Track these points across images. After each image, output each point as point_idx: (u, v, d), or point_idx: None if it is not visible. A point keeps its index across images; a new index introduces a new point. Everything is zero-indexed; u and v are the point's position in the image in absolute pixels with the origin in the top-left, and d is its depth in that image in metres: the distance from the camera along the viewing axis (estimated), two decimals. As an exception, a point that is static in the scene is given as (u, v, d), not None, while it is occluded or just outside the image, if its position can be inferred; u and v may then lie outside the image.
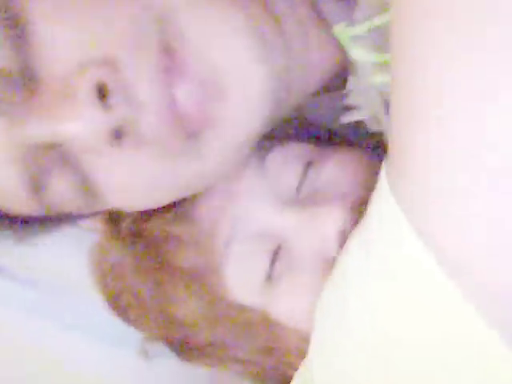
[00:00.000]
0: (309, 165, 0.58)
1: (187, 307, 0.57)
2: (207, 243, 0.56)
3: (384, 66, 0.51)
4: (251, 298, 0.57)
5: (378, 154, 0.57)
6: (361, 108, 0.57)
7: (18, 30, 0.41)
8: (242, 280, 0.56)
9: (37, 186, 0.45)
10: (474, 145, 0.36)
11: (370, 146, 0.61)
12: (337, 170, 0.59)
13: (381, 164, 0.54)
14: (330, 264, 0.52)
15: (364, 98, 0.55)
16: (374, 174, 0.54)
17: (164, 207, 0.54)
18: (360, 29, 0.49)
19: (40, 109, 0.42)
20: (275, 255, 0.56)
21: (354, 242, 0.46)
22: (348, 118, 0.58)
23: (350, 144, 0.62)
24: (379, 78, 0.52)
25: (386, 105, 0.55)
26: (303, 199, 0.57)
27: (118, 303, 0.62)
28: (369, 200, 0.46)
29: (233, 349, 0.60)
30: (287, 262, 0.56)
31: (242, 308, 0.57)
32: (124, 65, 0.41)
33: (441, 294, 0.39)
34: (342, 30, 0.50)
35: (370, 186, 0.50)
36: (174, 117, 0.43)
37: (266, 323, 0.57)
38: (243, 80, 0.44)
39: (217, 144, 0.46)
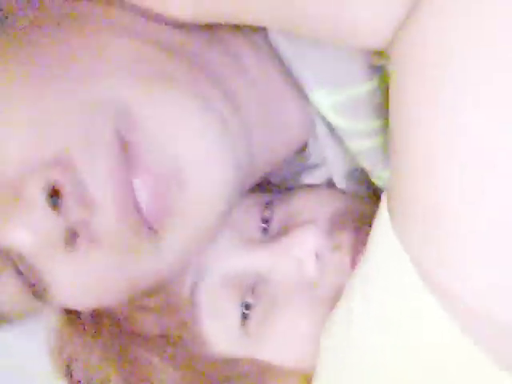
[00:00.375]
0: (269, 204, 0.57)
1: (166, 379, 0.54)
2: (175, 302, 0.53)
3: (361, 133, 0.51)
4: (232, 347, 0.54)
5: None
6: (321, 168, 0.58)
7: None
8: (217, 329, 0.54)
9: None
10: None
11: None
12: (300, 201, 0.58)
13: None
14: (311, 288, 0.52)
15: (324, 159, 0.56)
16: (341, 201, 0.57)
17: None
18: (339, 96, 0.50)
19: None
20: (251, 295, 0.54)
21: (355, 282, 0.46)
22: (309, 178, 0.59)
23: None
24: (358, 144, 0.52)
25: (355, 170, 0.56)
26: (272, 236, 0.56)
27: None
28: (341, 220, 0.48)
29: None
30: (267, 299, 0.54)
31: (226, 363, 0.54)
32: (76, 163, 0.40)
33: (441, 332, 0.40)
34: (320, 97, 0.50)
35: (338, 211, 0.52)
36: (130, 215, 0.41)
37: (258, 373, 0.55)
38: (203, 169, 0.43)
39: (176, 236, 0.44)
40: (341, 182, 0.57)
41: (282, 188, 0.62)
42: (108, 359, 0.55)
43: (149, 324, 0.54)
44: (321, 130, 0.53)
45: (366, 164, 0.53)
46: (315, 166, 0.59)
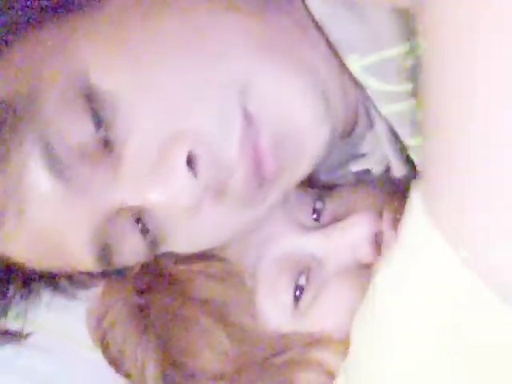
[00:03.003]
0: (321, 197, 0.59)
1: (213, 351, 0.55)
2: (235, 274, 0.56)
3: (391, 96, 0.51)
4: (282, 324, 0.56)
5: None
6: (370, 155, 0.58)
7: (99, 103, 0.44)
8: (270, 306, 0.56)
9: (106, 250, 0.48)
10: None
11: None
12: (351, 195, 0.60)
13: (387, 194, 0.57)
14: (366, 270, 0.52)
15: (374, 140, 0.57)
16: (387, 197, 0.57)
17: None
18: (370, 59, 0.50)
19: (130, 177, 0.45)
20: (304, 277, 0.56)
21: (386, 270, 0.47)
22: (358, 166, 0.60)
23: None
24: (391, 107, 0.52)
25: (393, 135, 0.55)
26: (325, 224, 0.58)
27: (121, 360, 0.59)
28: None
29: None
30: (320, 280, 0.56)
31: (275, 337, 0.56)
32: (212, 134, 0.45)
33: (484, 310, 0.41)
34: (354, 61, 0.50)
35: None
36: (254, 176, 0.47)
37: (303, 345, 0.56)
38: (314, 131, 0.48)
39: (278, 191, 0.50)
40: (394, 160, 0.57)
41: (330, 184, 0.63)
42: (151, 326, 0.56)
43: (209, 289, 0.56)
44: (368, 102, 0.54)
45: (400, 130, 0.53)
46: (363, 155, 0.60)
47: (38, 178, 0.45)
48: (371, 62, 0.50)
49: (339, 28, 0.50)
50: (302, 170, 0.51)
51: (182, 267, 0.56)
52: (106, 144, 0.45)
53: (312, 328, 0.56)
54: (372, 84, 0.51)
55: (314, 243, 0.57)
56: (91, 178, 0.45)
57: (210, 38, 0.46)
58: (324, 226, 0.58)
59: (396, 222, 0.52)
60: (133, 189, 0.45)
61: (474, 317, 0.42)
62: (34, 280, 0.55)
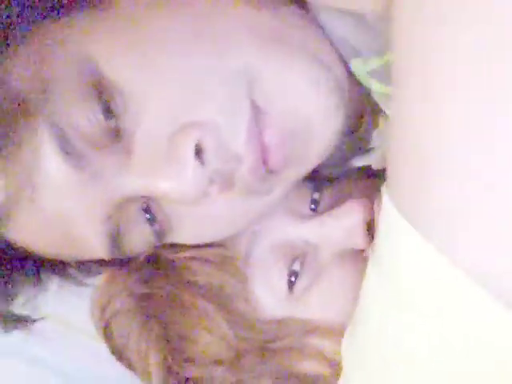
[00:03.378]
0: (319, 187, 0.60)
1: (212, 335, 0.56)
2: (231, 260, 0.56)
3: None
4: (278, 309, 0.56)
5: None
6: (374, 151, 0.59)
7: (108, 94, 0.45)
8: (265, 292, 0.56)
9: (116, 237, 0.49)
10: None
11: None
12: (348, 185, 0.61)
13: None
14: (361, 256, 0.53)
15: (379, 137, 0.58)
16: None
17: None
18: (374, 63, 0.51)
19: (140, 166, 0.46)
20: (299, 263, 0.56)
21: (370, 264, 0.47)
22: (361, 162, 0.61)
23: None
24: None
25: None
26: (321, 213, 0.59)
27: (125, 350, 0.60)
28: None
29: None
30: (315, 266, 0.56)
31: (272, 323, 0.56)
32: (220, 126, 0.46)
33: (466, 301, 0.39)
34: (358, 65, 0.51)
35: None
36: (260, 167, 0.47)
37: (300, 332, 0.56)
38: (322, 123, 0.49)
39: (286, 182, 0.51)
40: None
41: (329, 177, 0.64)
42: (154, 314, 0.57)
43: (205, 275, 0.56)
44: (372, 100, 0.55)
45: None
46: (368, 151, 0.61)
47: (50, 165, 0.46)
48: (375, 65, 0.51)
49: (343, 32, 0.51)
50: (311, 163, 0.52)
51: (179, 254, 0.57)
52: (116, 134, 0.46)
53: (308, 314, 0.56)
54: (376, 87, 0.52)
55: (309, 230, 0.58)
56: (102, 167, 0.46)
57: (219, 30, 0.47)
58: (319, 215, 0.59)
59: None
60: (142, 178, 0.46)
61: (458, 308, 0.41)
62: (43, 267, 0.56)
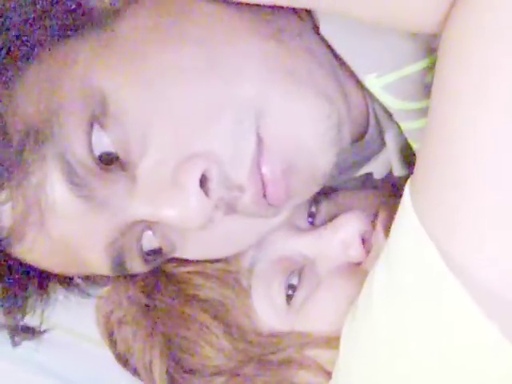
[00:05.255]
0: (316, 201, 0.60)
1: (212, 347, 0.56)
2: (232, 275, 0.57)
3: (412, 113, 0.53)
4: (277, 323, 0.57)
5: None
6: (376, 158, 0.60)
7: (113, 125, 0.46)
8: (264, 306, 0.56)
9: (120, 258, 0.50)
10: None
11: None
12: (345, 199, 0.61)
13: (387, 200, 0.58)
14: (358, 269, 0.53)
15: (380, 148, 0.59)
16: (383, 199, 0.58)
17: None
18: (389, 78, 0.51)
19: (145, 193, 0.47)
20: (297, 277, 0.57)
21: (380, 263, 0.48)
22: (362, 170, 0.61)
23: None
24: (409, 124, 0.54)
25: (402, 150, 0.58)
26: (318, 226, 0.59)
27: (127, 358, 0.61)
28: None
29: None
30: (312, 279, 0.57)
31: (271, 336, 0.57)
32: (225, 157, 0.47)
33: (462, 313, 0.42)
34: (372, 80, 0.52)
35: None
36: (261, 199, 0.49)
37: (299, 344, 0.57)
38: (320, 161, 0.49)
39: (289, 206, 0.52)
40: (397, 168, 0.59)
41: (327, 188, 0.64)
42: (157, 324, 0.57)
43: (206, 289, 0.56)
44: (379, 113, 0.56)
45: (417, 146, 0.55)
46: (369, 160, 0.61)
47: (58, 193, 0.46)
48: (390, 80, 0.51)
49: (356, 48, 0.51)
50: (312, 191, 0.53)
51: (181, 268, 0.57)
52: (121, 163, 0.47)
53: (306, 327, 0.57)
54: (391, 102, 0.52)
55: (306, 244, 0.58)
56: (107, 195, 0.47)
57: (228, 62, 0.47)
58: (316, 227, 0.59)
59: (391, 222, 0.54)
60: (148, 205, 0.47)
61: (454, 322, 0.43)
62: (51, 280, 0.56)
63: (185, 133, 0.46)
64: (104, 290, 0.61)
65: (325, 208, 0.60)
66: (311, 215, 0.60)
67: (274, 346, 0.57)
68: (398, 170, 0.59)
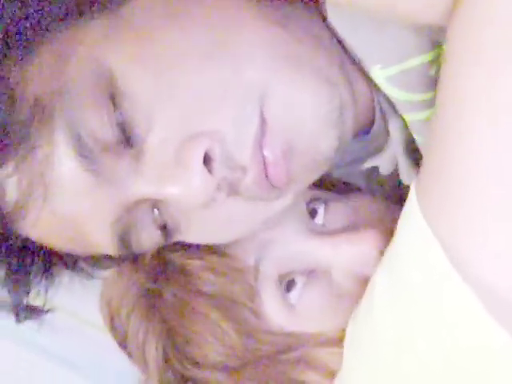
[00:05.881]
0: (326, 202, 0.60)
1: (219, 342, 0.56)
2: (239, 271, 0.57)
3: (416, 104, 0.53)
4: (283, 324, 0.57)
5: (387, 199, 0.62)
6: (383, 152, 0.60)
7: (121, 102, 0.46)
8: (272, 305, 0.57)
9: (126, 236, 0.51)
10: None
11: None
12: (358, 204, 0.61)
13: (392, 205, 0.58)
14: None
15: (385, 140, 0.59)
16: (391, 211, 0.58)
17: None
18: (393, 70, 0.52)
19: (150, 171, 0.48)
20: (307, 278, 0.57)
21: (382, 266, 0.49)
22: (370, 163, 0.62)
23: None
24: (413, 116, 0.54)
25: (407, 143, 0.58)
26: (332, 231, 0.59)
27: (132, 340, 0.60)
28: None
29: None
30: (323, 284, 0.57)
31: (277, 336, 0.57)
32: (228, 137, 0.47)
33: (467, 314, 0.42)
34: (377, 72, 0.52)
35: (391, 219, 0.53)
36: (263, 180, 0.49)
37: (304, 343, 0.57)
38: (316, 143, 0.50)
39: (292, 192, 0.53)
40: (403, 162, 0.59)
41: (336, 183, 0.65)
42: (159, 310, 0.58)
43: (215, 284, 0.57)
44: (384, 106, 0.56)
45: (420, 137, 0.55)
46: (376, 153, 0.62)
47: (65, 166, 0.47)
48: (393, 72, 0.52)
49: (361, 40, 0.52)
50: (314, 175, 0.54)
51: (190, 262, 0.57)
52: (128, 140, 0.47)
53: (315, 329, 0.57)
54: (395, 94, 0.53)
55: (320, 250, 0.58)
56: (115, 171, 0.47)
57: (233, 46, 0.48)
58: (330, 232, 0.59)
59: None
60: (153, 183, 0.48)
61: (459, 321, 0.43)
62: (55, 260, 0.57)
63: (189, 113, 0.47)
64: (109, 275, 0.62)
65: (334, 209, 0.60)
66: (314, 212, 0.60)
67: (281, 346, 0.57)
68: (404, 165, 0.59)
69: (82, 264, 0.59)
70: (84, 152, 0.46)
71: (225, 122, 0.47)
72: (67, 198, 0.48)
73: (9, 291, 0.55)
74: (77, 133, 0.46)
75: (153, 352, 0.58)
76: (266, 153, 0.48)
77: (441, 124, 0.44)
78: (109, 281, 0.62)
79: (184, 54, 0.47)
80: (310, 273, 0.57)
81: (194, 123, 0.47)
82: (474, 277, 0.41)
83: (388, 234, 0.55)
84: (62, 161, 0.47)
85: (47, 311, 0.58)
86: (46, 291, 0.57)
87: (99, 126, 0.46)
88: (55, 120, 0.46)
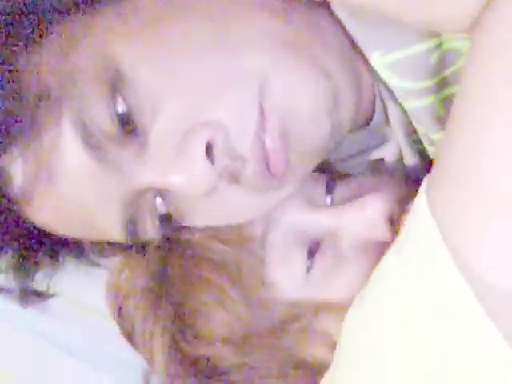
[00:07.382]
0: (333, 180, 0.61)
1: (226, 311, 0.57)
2: (247, 241, 0.57)
3: (415, 92, 0.53)
4: (294, 293, 0.57)
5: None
6: (387, 143, 0.61)
7: (126, 90, 0.47)
8: (282, 275, 0.57)
9: (131, 223, 0.51)
10: None
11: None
12: (365, 181, 0.61)
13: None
14: (381, 248, 0.53)
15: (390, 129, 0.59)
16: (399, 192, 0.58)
17: None
18: (393, 57, 0.52)
19: (154, 160, 0.48)
20: (317, 249, 0.57)
21: (389, 258, 0.49)
22: (376, 155, 0.62)
23: None
24: (412, 104, 0.55)
25: (407, 130, 0.58)
26: (338, 204, 0.59)
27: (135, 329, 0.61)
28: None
29: (262, 370, 0.58)
30: (333, 253, 0.57)
31: (287, 305, 0.57)
32: (229, 127, 0.48)
33: (468, 315, 0.43)
34: (376, 59, 0.53)
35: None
36: (263, 168, 0.50)
37: (314, 311, 0.57)
38: (310, 129, 0.51)
39: (293, 180, 0.54)
40: (406, 152, 0.60)
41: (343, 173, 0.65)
42: (166, 293, 0.58)
43: (223, 253, 0.57)
44: (384, 94, 0.57)
45: (420, 126, 0.56)
46: (380, 144, 0.62)
47: (71, 152, 0.48)
48: (394, 59, 0.52)
49: (362, 26, 0.52)
50: (312, 163, 0.54)
51: (196, 233, 0.58)
52: (132, 129, 0.48)
53: (323, 297, 0.57)
54: (395, 81, 0.53)
55: (329, 218, 0.58)
56: (120, 159, 0.48)
57: (235, 36, 0.49)
58: (338, 205, 0.59)
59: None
60: (156, 172, 0.48)
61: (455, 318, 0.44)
62: (61, 246, 0.57)
63: (192, 103, 0.48)
64: (115, 264, 0.62)
65: (340, 192, 0.60)
66: (328, 189, 0.60)
67: (289, 317, 0.57)
68: (408, 155, 0.60)
69: (87, 251, 0.60)
70: (90, 140, 0.47)
71: (226, 112, 0.48)
72: (71, 184, 0.48)
73: (14, 277, 0.56)
74: (82, 121, 0.47)
75: (160, 340, 0.58)
76: (266, 140, 0.49)
77: (455, 124, 0.44)
78: (115, 270, 0.62)
79: (186, 45, 0.48)
80: (318, 242, 0.57)
81: (197, 112, 0.48)
82: (474, 272, 0.42)
83: (393, 202, 0.56)
84: (67, 148, 0.47)
85: (51, 295, 0.58)
86: (51, 277, 0.58)
87: (104, 115, 0.47)
88: (62, 107, 0.47)
